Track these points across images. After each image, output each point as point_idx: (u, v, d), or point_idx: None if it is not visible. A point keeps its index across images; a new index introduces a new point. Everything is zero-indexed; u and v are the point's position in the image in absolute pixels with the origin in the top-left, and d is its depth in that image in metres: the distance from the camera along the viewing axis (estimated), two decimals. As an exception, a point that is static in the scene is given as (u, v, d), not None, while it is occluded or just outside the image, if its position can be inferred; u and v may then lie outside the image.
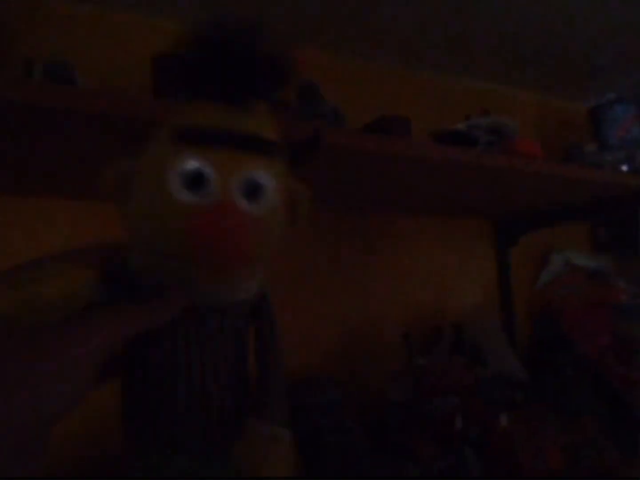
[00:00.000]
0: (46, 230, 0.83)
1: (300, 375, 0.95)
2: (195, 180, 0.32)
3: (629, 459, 0.90)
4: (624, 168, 1.10)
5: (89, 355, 0.28)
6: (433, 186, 0.89)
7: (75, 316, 0.29)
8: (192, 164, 0.32)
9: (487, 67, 1.29)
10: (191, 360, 0.38)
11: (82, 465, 0.80)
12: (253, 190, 0.33)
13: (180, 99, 0.35)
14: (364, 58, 1.17)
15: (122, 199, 0.34)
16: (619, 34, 1.17)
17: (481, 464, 0.77)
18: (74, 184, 0.76)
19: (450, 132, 0.83)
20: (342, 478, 0.74)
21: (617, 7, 1.07)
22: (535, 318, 1.35)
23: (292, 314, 1.01)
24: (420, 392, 0.91)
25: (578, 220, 1.47)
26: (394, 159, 0.70)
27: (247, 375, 0.42)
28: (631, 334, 1.14)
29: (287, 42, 0.35)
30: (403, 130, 0.75)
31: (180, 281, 0.34)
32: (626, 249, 1.45)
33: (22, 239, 0.81)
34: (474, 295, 1.29)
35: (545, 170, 0.86)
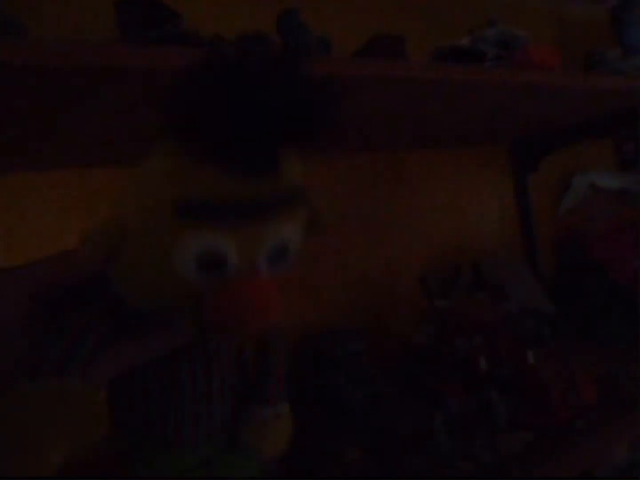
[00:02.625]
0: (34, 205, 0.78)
1: (319, 328, 0.91)
2: (211, 261, 0.27)
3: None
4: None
5: None
6: (437, 112, 0.81)
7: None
8: (205, 245, 0.26)
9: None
10: (195, 374, 0.36)
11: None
12: (278, 254, 0.29)
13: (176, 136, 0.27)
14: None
15: (107, 260, 0.29)
16: None
17: (508, 405, 0.73)
18: (47, 152, 0.71)
19: (453, 49, 0.73)
20: (367, 430, 0.72)
21: None
22: (560, 246, 1.28)
23: (305, 266, 0.95)
24: (443, 335, 0.87)
25: (601, 137, 1.36)
26: (389, 84, 0.62)
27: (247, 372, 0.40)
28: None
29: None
30: (397, 52, 0.66)
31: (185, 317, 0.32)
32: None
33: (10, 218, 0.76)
34: (493, 227, 1.22)
35: (563, 81, 0.76)
